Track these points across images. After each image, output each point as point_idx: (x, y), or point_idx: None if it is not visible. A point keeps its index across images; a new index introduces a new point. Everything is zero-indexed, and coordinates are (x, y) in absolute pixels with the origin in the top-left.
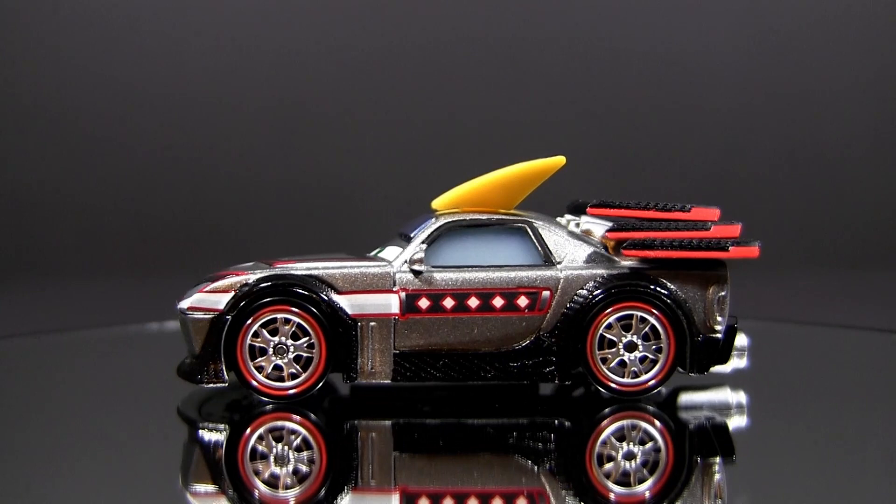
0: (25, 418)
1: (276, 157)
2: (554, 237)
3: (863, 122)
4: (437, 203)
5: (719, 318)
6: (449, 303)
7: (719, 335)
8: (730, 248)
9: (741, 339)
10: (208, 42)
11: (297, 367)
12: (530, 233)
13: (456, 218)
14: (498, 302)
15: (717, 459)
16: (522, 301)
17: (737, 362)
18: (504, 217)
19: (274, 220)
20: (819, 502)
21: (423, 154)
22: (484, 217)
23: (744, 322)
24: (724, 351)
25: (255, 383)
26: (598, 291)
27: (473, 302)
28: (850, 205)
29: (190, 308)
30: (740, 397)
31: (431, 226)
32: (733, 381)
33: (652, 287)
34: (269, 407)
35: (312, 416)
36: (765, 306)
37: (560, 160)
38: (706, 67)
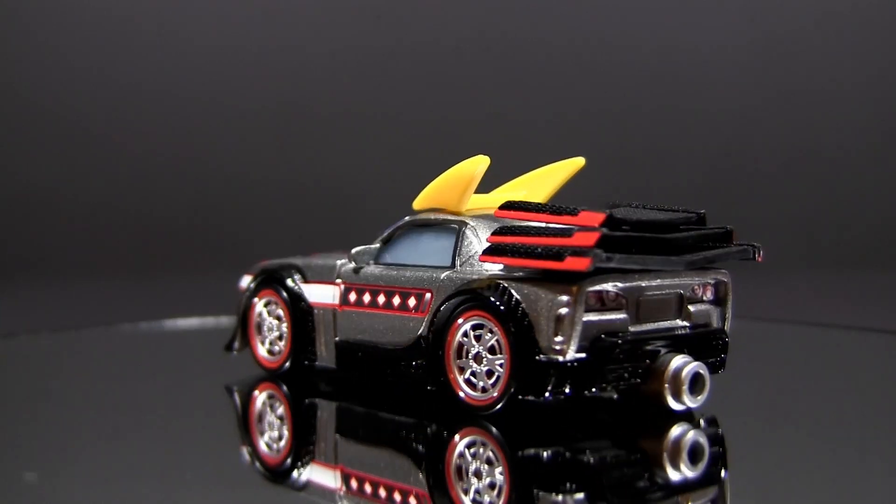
0: (25, 417)
1: (277, 157)
2: (474, 240)
3: (863, 122)
4: (415, 203)
5: (558, 338)
6: (367, 298)
7: (560, 356)
8: (566, 257)
9: (693, 371)
10: (209, 43)
11: (281, 344)
12: (457, 234)
13: (413, 218)
14: (396, 300)
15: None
16: (412, 301)
17: (672, 401)
18: (446, 218)
19: (275, 219)
20: (816, 501)
21: (426, 153)
22: (432, 217)
23: (744, 322)
24: (575, 376)
25: (256, 354)
26: (452, 297)
27: (381, 299)
28: (850, 205)
29: (240, 288)
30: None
31: (394, 225)
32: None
33: (487, 295)
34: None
35: (285, 390)
36: (765, 306)
37: (482, 160)
38: (706, 69)
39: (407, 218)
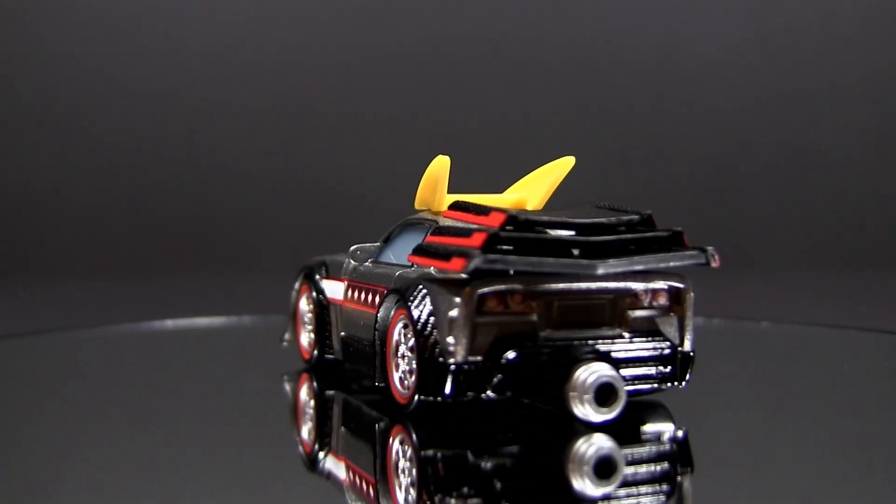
0: (26, 417)
1: (277, 157)
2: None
3: (862, 122)
4: (415, 202)
5: (450, 339)
6: (356, 295)
7: (452, 358)
8: (451, 258)
9: (599, 381)
10: (209, 43)
11: (312, 337)
12: (425, 233)
13: (408, 218)
14: (369, 298)
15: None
16: (377, 299)
17: (578, 412)
18: (426, 217)
19: (275, 219)
20: (813, 502)
21: (429, 152)
22: (416, 217)
23: (744, 323)
24: (472, 378)
25: (299, 345)
26: (387, 296)
27: (362, 296)
28: (849, 205)
29: None
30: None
31: (395, 225)
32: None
33: (406, 295)
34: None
35: (314, 384)
36: (765, 306)
37: (443, 159)
38: (706, 68)
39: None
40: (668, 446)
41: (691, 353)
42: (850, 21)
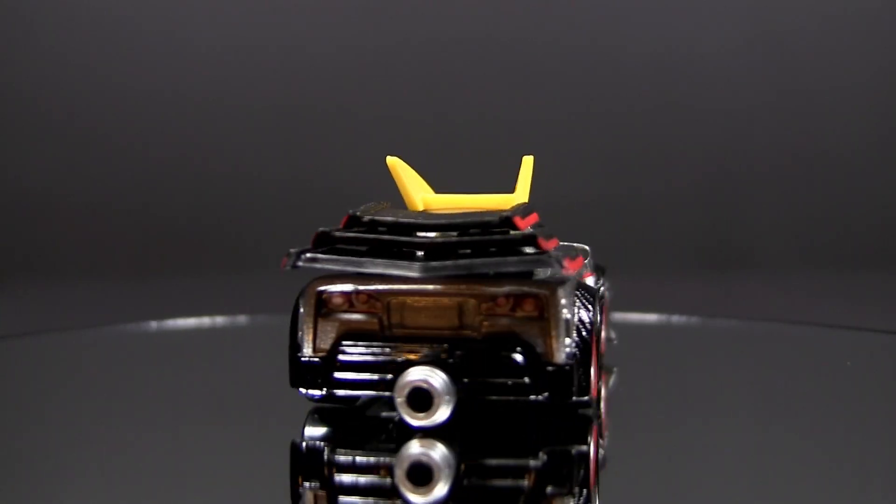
0: (25, 419)
1: (277, 158)
2: None
3: (863, 122)
4: None
5: (299, 335)
6: None
7: (300, 353)
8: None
9: (412, 384)
10: (209, 43)
11: None
12: None
13: None
14: None
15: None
16: None
17: (401, 412)
18: None
19: (274, 219)
20: None
21: (428, 151)
22: None
23: (743, 322)
24: (316, 376)
25: None
26: None
27: None
28: (850, 205)
29: None
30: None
31: None
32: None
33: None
34: None
35: None
36: (765, 306)
37: (388, 161)
38: (706, 67)
39: None
40: (536, 461)
41: (566, 367)
42: (851, 21)
